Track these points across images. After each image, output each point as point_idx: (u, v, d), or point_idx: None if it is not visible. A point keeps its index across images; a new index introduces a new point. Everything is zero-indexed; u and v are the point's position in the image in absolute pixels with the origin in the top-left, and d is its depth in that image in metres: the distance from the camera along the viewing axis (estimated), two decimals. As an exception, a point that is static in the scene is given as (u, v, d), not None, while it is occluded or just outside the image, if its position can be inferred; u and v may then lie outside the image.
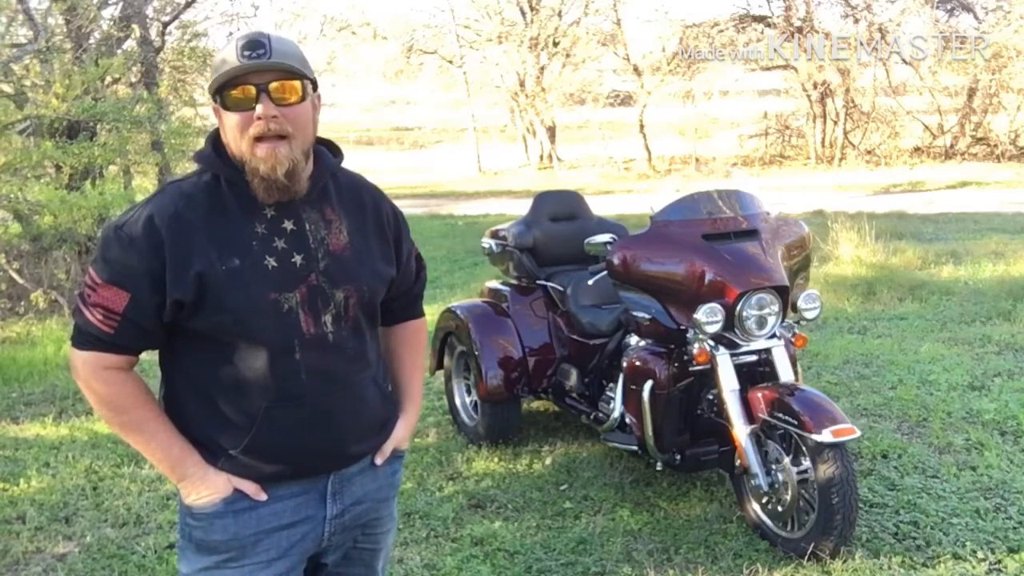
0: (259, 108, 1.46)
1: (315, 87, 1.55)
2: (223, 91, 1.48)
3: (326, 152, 1.63)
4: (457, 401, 4.38)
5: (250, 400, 1.52)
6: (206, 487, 1.54)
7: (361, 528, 1.70)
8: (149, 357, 1.67)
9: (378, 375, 1.70)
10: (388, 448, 1.71)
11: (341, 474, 1.63)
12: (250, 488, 1.55)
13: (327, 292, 1.55)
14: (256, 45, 1.45)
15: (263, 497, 1.56)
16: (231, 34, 13.63)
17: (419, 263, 1.85)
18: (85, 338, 1.51)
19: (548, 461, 3.95)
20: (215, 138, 1.58)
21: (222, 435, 1.54)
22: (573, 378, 3.94)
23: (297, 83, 1.49)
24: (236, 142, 1.49)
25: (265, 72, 1.46)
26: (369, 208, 1.68)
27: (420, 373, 1.89)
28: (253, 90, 1.46)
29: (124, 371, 1.53)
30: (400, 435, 1.75)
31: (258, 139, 1.47)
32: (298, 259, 1.53)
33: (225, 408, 1.53)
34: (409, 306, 1.85)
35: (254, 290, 1.49)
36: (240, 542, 1.56)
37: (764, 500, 3.08)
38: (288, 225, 1.54)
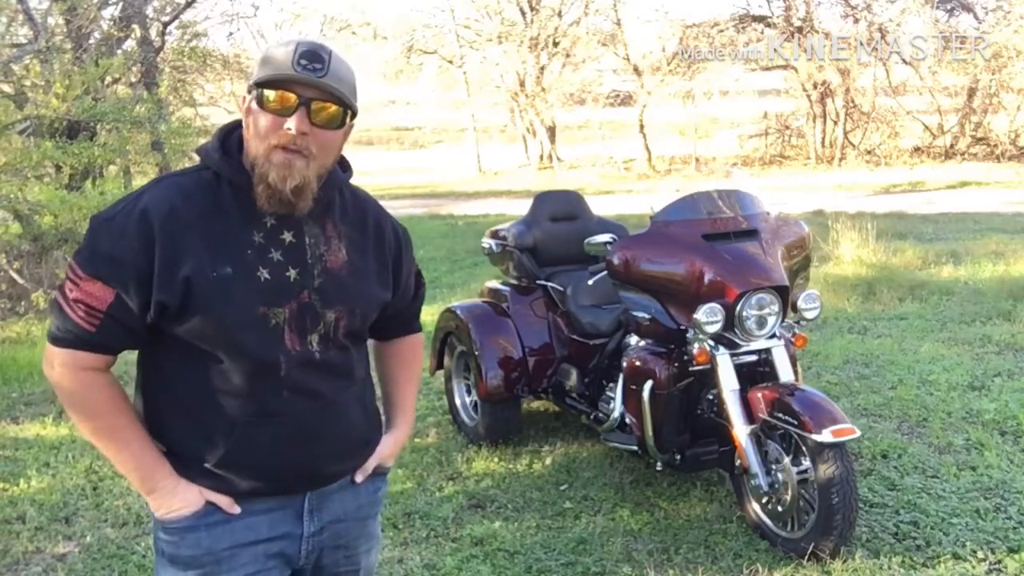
0: (293, 121, 1.40)
1: (354, 116, 1.50)
2: (263, 88, 1.42)
3: (336, 167, 1.57)
4: (457, 401, 4.38)
5: (228, 413, 1.46)
6: (177, 500, 1.48)
7: (343, 548, 1.65)
8: (128, 357, 1.61)
9: (364, 393, 1.65)
10: (371, 465, 1.66)
11: (319, 492, 1.58)
12: (223, 501, 1.49)
13: (318, 311, 1.49)
14: (315, 58, 1.41)
15: (236, 511, 1.50)
16: (231, 34, 13.64)
17: (418, 280, 1.80)
18: (63, 336, 1.43)
19: (548, 461, 3.95)
20: (223, 135, 1.52)
21: (198, 446, 1.48)
22: (573, 378, 3.94)
23: (339, 110, 1.45)
24: (256, 141, 1.43)
25: (313, 88, 1.41)
26: (371, 228, 1.62)
27: (414, 388, 1.85)
28: (295, 100, 1.41)
29: (102, 372, 1.46)
30: (385, 451, 1.70)
31: (278, 147, 1.41)
32: (292, 273, 1.47)
33: (203, 419, 1.47)
34: (406, 323, 1.80)
35: (242, 301, 1.43)
36: (214, 556, 1.50)
37: (764, 500, 3.08)
38: (287, 237, 1.48)
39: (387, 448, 1.70)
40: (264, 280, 1.45)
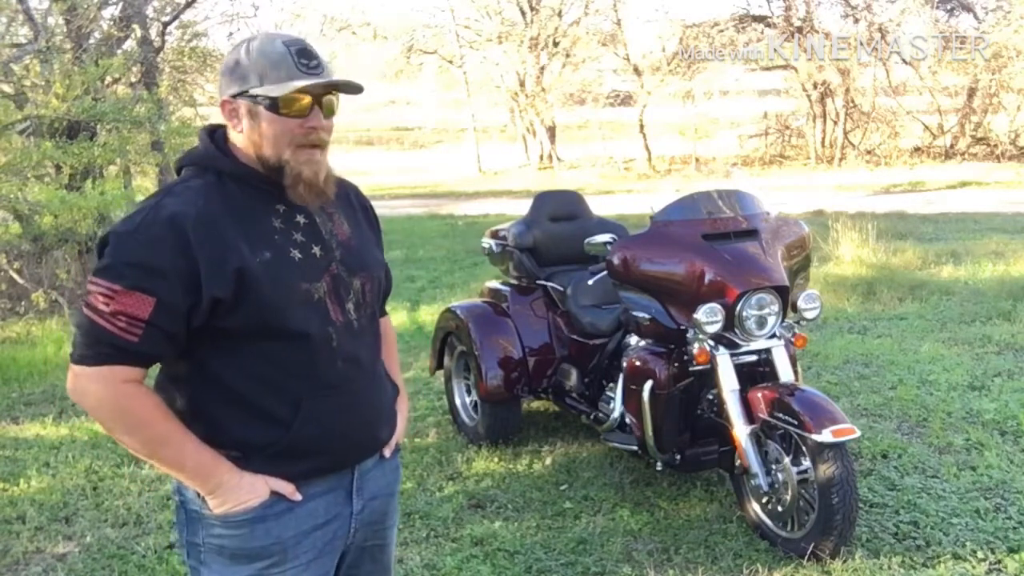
0: (315, 119, 1.49)
1: None
2: (274, 95, 1.47)
3: None
4: (457, 401, 4.38)
5: (291, 393, 1.51)
6: (244, 492, 1.50)
7: (374, 524, 1.71)
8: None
9: (383, 364, 1.74)
10: (393, 441, 1.74)
11: (361, 468, 1.65)
12: (287, 489, 1.53)
13: (347, 280, 1.58)
14: (311, 55, 1.49)
15: (298, 497, 1.54)
16: (231, 34, 13.65)
17: None
18: (100, 352, 1.43)
19: (548, 461, 3.95)
20: (210, 137, 1.57)
21: (257, 435, 1.51)
22: (573, 378, 3.94)
23: (338, 97, 1.55)
24: (277, 146, 1.49)
25: (319, 85, 1.49)
26: (355, 202, 1.73)
27: (399, 365, 1.93)
28: (310, 101, 1.49)
29: (141, 384, 1.48)
30: (400, 429, 1.78)
31: (302, 146, 1.49)
32: (317, 250, 1.55)
33: (261, 406, 1.51)
34: (381, 303, 1.88)
35: (289, 281, 1.49)
36: (283, 545, 1.54)
37: (764, 500, 3.08)
38: (300, 219, 1.56)
39: (401, 425, 1.78)
40: (297, 259, 1.53)
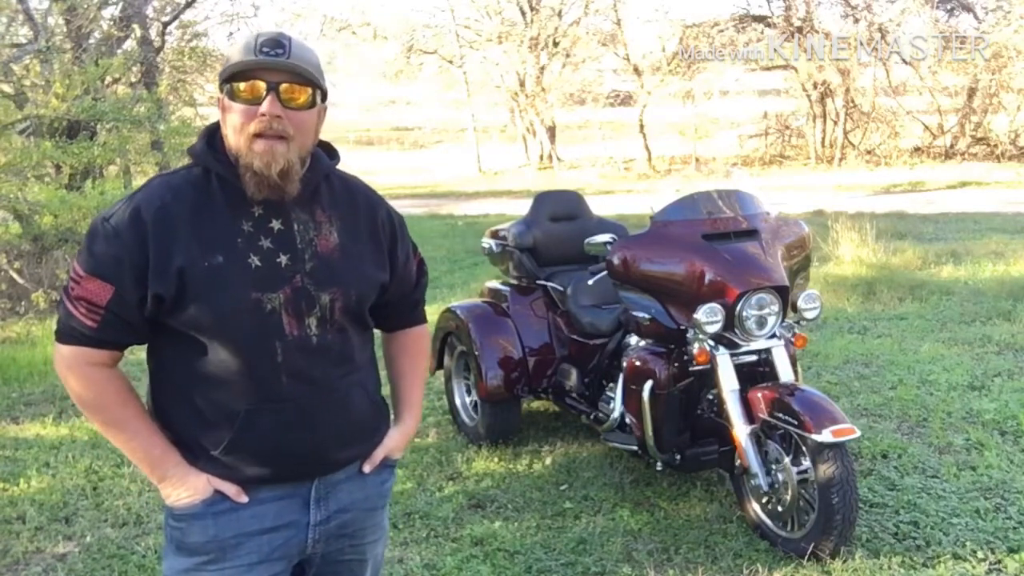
0: (265, 105, 1.45)
1: (324, 97, 1.54)
2: (232, 82, 1.46)
3: (322, 154, 1.60)
4: (457, 401, 4.38)
5: (230, 401, 1.50)
6: (186, 488, 1.52)
7: (348, 538, 1.66)
8: (138, 354, 1.65)
9: (367, 380, 1.65)
10: (378, 456, 1.68)
11: (326, 480, 1.60)
12: (230, 490, 1.53)
13: (312, 294, 1.52)
14: (276, 44, 1.46)
15: (244, 499, 1.54)
16: (231, 34, 13.67)
17: (420, 269, 1.80)
18: (69, 332, 1.49)
19: (548, 461, 3.95)
20: (209, 133, 1.56)
21: (203, 435, 1.52)
22: (573, 378, 3.94)
23: (308, 89, 1.49)
24: (235, 134, 1.47)
25: (279, 72, 1.46)
26: (362, 211, 1.64)
27: (421, 382, 1.85)
28: (263, 86, 1.45)
29: (108, 367, 1.51)
30: (393, 444, 1.71)
31: (257, 135, 1.45)
32: (284, 259, 1.51)
33: (206, 408, 1.51)
34: (409, 312, 1.81)
35: (236, 289, 1.47)
36: (220, 544, 1.53)
37: (764, 500, 3.08)
38: (275, 224, 1.52)
39: (394, 441, 1.72)
40: (255, 267, 1.49)
